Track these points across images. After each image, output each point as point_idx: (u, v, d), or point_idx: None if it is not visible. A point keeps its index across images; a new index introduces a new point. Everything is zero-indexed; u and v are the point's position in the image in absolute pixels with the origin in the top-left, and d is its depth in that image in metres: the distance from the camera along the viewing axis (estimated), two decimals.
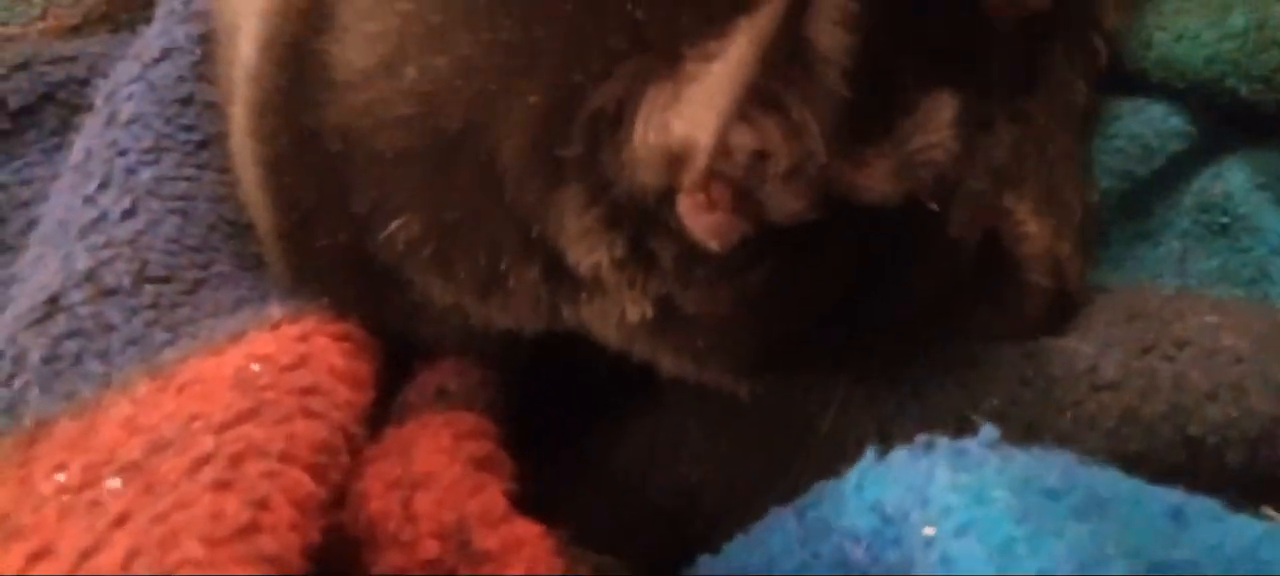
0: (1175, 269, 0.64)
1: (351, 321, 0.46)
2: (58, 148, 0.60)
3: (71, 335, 0.44)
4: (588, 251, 0.39)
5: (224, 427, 0.36)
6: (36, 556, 0.33)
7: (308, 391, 0.39)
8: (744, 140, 0.35)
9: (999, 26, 0.44)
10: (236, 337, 0.43)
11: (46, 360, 0.43)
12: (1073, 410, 0.46)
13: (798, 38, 0.33)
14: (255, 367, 0.39)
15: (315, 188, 0.44)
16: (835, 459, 0.41)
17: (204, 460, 0.34)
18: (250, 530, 0.32)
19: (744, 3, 0.34)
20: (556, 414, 0.49)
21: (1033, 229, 0.53)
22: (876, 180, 0.37)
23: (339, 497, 0.39)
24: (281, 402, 0.38)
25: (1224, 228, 0.65)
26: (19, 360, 0.43)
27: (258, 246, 0.52)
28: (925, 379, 0.48)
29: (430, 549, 0.37)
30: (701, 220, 0.37)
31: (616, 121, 0.36)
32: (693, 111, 0.34)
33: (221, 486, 0.33)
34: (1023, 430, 0.45)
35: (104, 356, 0.44)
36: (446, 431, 0.41)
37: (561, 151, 0.37)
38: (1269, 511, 0.40)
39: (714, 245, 0.37)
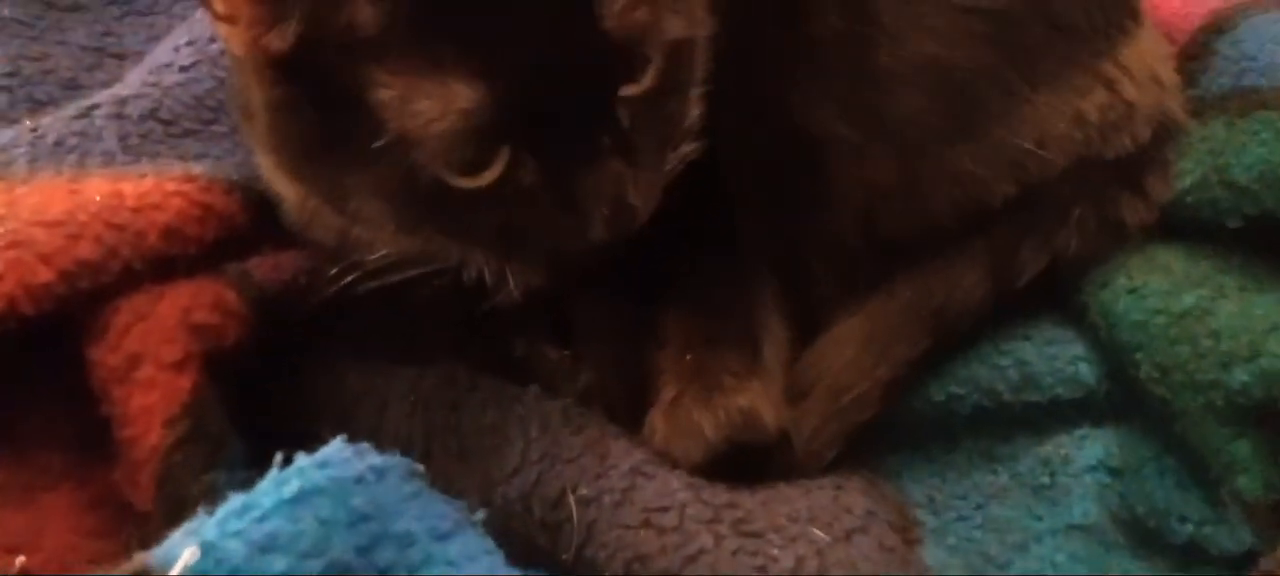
0: (985, 501, 0.62)
1: (232, 197, 0.63)
2: None
3: (79, 134, 0.65)
4: None
5: (27, 224, 0.55)
6: None
7: (112, 227, 0.57)
8: None
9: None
10: (143, 176, 0.63)
11: (56, 144, 0.66)
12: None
13: None
14: (97, 198, 0.59)
15: None
16: None
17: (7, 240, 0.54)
18: None
19: None
20: None
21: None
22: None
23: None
24: (86, 225, 0.56)
25: (1037, 489, 0.61)
26: (41, 138, 0.65)
27: None
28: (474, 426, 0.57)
29: (118, 357, 0.56)
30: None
31: None
32: None
33: None
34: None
35: (83, 157, 0.65)
36: (190, 294, 0.58)
37: None
38: None
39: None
